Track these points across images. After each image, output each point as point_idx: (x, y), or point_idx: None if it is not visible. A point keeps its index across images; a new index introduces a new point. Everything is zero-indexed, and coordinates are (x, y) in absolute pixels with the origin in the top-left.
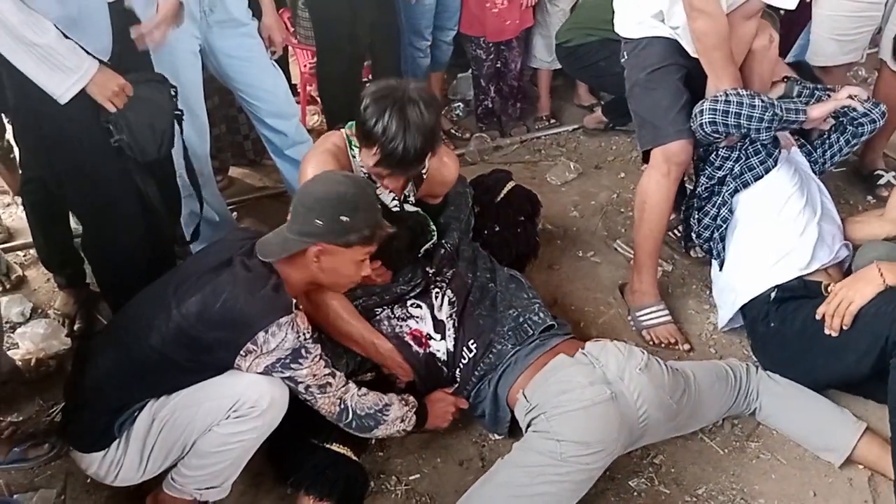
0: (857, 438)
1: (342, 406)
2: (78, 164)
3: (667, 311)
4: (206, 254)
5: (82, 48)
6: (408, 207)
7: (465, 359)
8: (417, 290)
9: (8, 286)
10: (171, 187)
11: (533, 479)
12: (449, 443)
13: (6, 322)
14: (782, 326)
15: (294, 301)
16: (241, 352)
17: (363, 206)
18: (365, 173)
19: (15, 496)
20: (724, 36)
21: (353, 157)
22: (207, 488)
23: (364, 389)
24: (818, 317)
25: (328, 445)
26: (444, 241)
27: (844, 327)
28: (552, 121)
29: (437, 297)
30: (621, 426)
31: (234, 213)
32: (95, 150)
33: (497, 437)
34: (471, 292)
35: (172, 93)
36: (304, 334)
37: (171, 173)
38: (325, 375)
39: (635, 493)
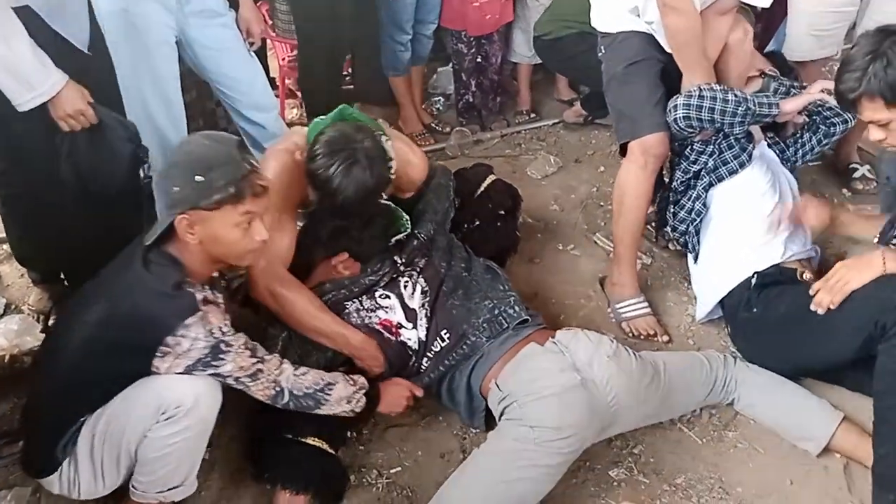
0: (834, 427)
1: (277, 389)
2: (21, 162)
3: (646, 304)
4: (126, 249)
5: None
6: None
7: (436, 347)
8: (386, 281)
9: None
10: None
11: (509, 465)
12: (430, 436)
13: None
14: (765, 311)
15: (203, 296)
16: (157, 353)
17: (219, 161)
18: None
19: None
20: (696, 32)
21: None
22: (170, 489)
23: (304, 369)
24: (812, 292)
25: (303, 439)
26: (416, 232)
27: (832, 307)
28: (532, 115)
29: (406, 287)
30: (592, 411)
31: None
32: (40, 157)
33: (476, 430)
34: (444, 282)
35: (131, 136)
36: (218, 329)
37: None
38: (253, 365)
39: (615, 483)
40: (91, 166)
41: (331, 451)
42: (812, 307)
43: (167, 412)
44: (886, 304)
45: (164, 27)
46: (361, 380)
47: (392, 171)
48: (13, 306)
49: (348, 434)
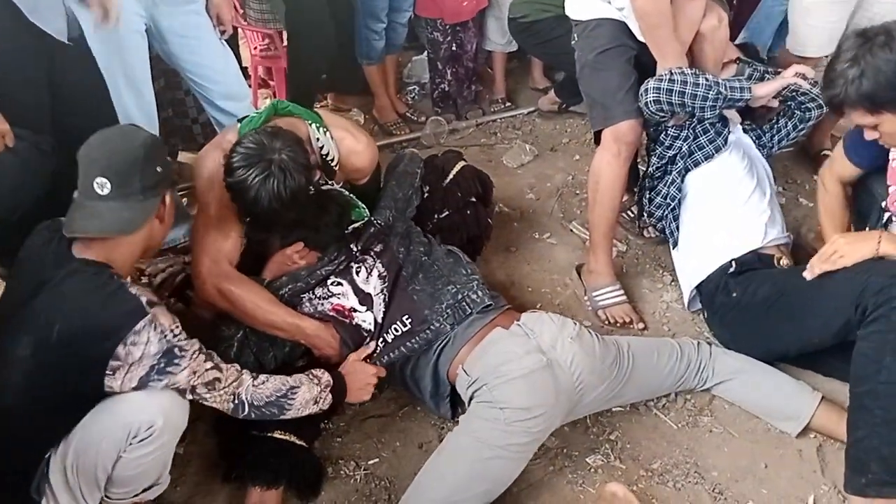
0: (814, 407)
1: (237, 401)
2: None
3: (622, 291)
4: (20, 274)
5: None
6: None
7: (397, 332)
8: (340, 269)
9: None
10: None
11: (481, 445)
12: (408, 426)
13: None
14: (743, 296)
15: (146, 298)
16: (107, 371)
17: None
18: (323, 157)
19: None
20: (665, 15)
21: (320, 145)
22: (144, 490)
23: (263, 377)
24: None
25: (269, 434)
26: (373, 219)
27: (819, 272)
28: (507, 103)
29: (358, 273)
30: (558, 391)
31: (185, 200)
32: None
33: (452, 421)
34: (403, 267)
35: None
36: (171, 331)
37: None
38: (208, 371)
39: (592, 470)
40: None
41: (301, 443)
42: (804, 273)
43: (138, 435)
44: (866, 289)
45: (133, 15)
46: (326, 376)
47: (335, 162)
48: None
49: (323, 426)
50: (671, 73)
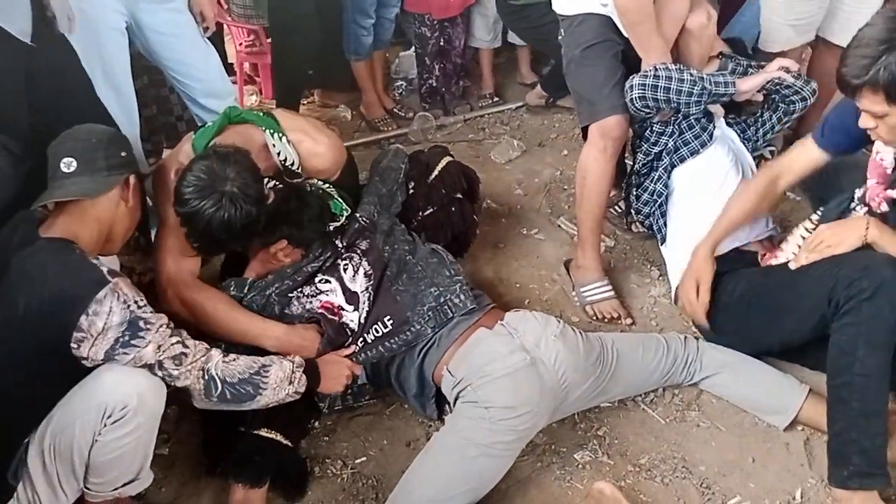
0: (802, 400)
1: (206, 377)
2: None
3: (610, 287)
4: None
5: None
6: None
7: (378, 332)
8: (327, 266)
9: None
10: None
11: (467, 444)
12: (395, 424)
13: None
14: (723, 295)
15: (107, 268)
16: (72, 344)
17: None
18: (283, 163)
19: None
20: (645, 11)
21: (277, 150)
22: (124, 485)
23: (233, 355)
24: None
25: (255, 431)
26: (357, 215)
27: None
28: (495, 99)
29: (346, 270)
30: (543, 389)
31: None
32: None
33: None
34: (388, 266)
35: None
36: (134, 302)
37: None
38: (174, 345)
39: (580, 466)
40: None
41: (286, 442)
42: (790, 264)
43: (113, 416)
44: (838, 283)
45: (113, 13)
46: (298, 358)
47: (295, 165)
48: None
49: (310, 425)
50: (656, 69)
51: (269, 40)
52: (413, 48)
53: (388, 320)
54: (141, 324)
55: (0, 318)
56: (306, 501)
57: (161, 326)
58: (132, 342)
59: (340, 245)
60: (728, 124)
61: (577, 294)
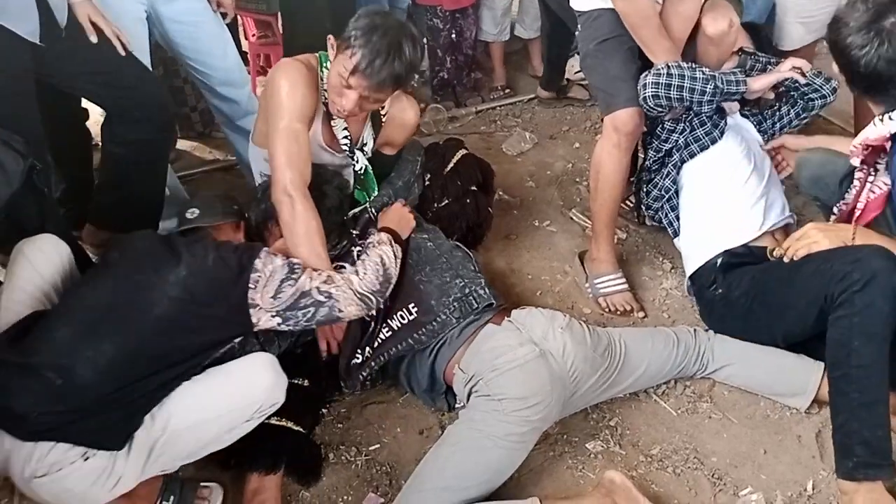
0: (819, 377)
1: (357, 297)
2: None
3: (623, 280)
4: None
5: None
6: (360, 157)
7: (403, 320)
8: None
9: None
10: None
11: (481, 436)
12: (408, 412)
13: None
14: (728, 291)
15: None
16: (251, 284)
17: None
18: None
19: None
20: (645, 15)
21: (322, 79)
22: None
23: (361, 270)
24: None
25: (267, 420)
26: (370, 206)
27: (796, 258)
28: (507, 91)
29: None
30: (553, 379)
31: (185, 187)
32: None
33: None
34: (406, 253)
35: (27, 166)
36: (283, 256)
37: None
38: (319, 274)
39: (592, 455)
40: None
41: (299, 429)
42: (776, 253)
43: (262, 410)
44: (832, 277)
45: (134, 2)
46: (382, 235)
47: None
48: None
49: (322, 412)
50: (668, 68)
51: (282, 32)
52: (425, 40)
53: (413, 308)
54: (294, 265)
55: (177, 270)
56: (321, 487)
57: (306, 268)
58: (292, 276)
59: (355, 234)
60: (744, 115)
61: (591, 286)
